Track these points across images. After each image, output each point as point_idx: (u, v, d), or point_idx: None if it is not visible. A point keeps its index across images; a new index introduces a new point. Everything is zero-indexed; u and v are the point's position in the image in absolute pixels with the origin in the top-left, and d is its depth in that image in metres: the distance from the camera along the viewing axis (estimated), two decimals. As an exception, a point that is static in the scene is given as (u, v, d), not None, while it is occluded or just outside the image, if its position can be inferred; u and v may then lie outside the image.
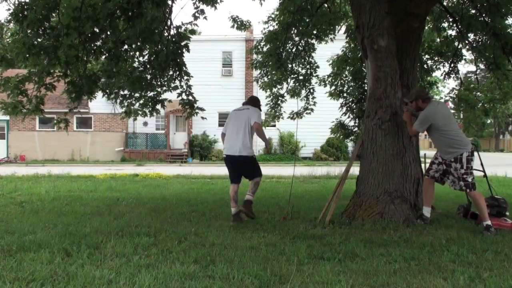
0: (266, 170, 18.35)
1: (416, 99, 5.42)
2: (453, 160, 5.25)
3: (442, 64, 9.85)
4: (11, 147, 26.03)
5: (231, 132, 5.94)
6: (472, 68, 14.75)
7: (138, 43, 6.50)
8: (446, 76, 9.62)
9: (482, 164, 6.24)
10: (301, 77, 10.27)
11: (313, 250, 4.26)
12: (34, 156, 25.79)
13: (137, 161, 24.90)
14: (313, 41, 9.91)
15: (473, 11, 8.30)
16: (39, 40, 6.13)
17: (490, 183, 6.30)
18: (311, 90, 10.40)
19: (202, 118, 8.01)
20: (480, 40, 8.86)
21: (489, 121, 43.54)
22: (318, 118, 13.48)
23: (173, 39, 6.72)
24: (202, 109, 7.46)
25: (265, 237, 4.79)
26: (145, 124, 25.77)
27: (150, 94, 7.51)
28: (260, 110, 6.16)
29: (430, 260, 3.95)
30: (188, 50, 6.78)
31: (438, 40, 9.67)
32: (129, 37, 6.27)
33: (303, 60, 10.19)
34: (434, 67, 9.91)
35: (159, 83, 7.27)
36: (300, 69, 10.33)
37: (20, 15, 5.89)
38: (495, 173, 13.52)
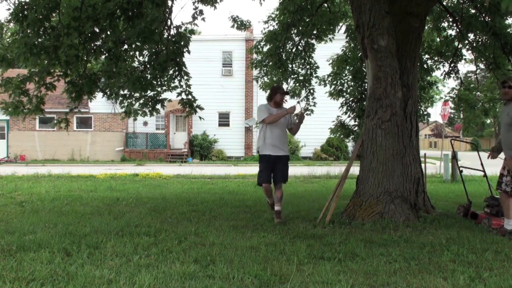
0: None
1: None
2: None
3: (442, 64, 9.85)
4: (11, 146, 26.04)
5: None
6: (472, 68, 14.78)
7: (138, 43, 6.50)
8: (446, 76, 9.61)
9: (482, 164, 6.25)
10: (301, 78, 10.27)
11: (313, 250, 4.26)
12: (34, 156, 25.79)
13: (137, 160, 24.91)
14: (313, 41, 9.91)
15: (473, 11, 8.29)
16: (39, 40, 6.13)
17: (490, 183, 6.31)
18: (311, 91, 10.40)
19: (200, 118, 7.99)
20: (480, 40, 8.86)
21: (489, 121, 43.57)
22: (318, 118, 13.44)
23: (173, 39, 6.72)
24: (201, 108, 7.47)
25: (265, 237, 4.79)
26: (145, 124, 25.76)
27: (150, 94, 7.51)
28: (272, 98, 6.00)
29: (430, 260, 3.95)
30: (189, 52, 6.79)
31: (438, 40, 9.67)
32: (129, 37, 6.27)
33: (303, 61, 10.19)
34: (434, 67, 9.90)
35: (159, 83, 7.28)
36: (300, 69, 10.33)
37: (20, 15, 5.89)
38: (495, 173, 13.49)
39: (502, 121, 5.27)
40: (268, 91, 6.10)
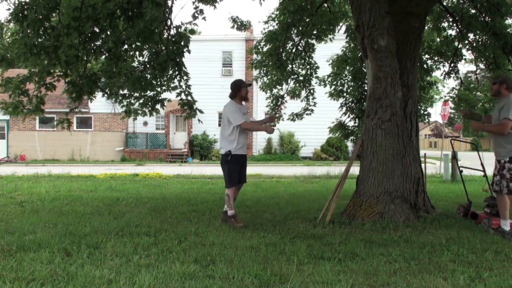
0: (266, 170, 18.44)
1: (501, 83, 5.15)
2: (508, 160, 5.03)
3: (442, 64, 9.86)
4: (11, 147, 26.04)
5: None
6: (472, 68, 14.78)
7: (138, 43, 6.51)
8: (446, 76, 9.61)
9: (482, 164, 6.25)
10: (301, 78, 10.28)
11: (313, 250, 4.26)
12: (34, 156, 25.80)
13: (137, 160, 24.91)
14: (313, 41, 9.91)
15: (473, 11, 8.29)
16: (39, 40, 6.14)
17: (490, 183, 6.31)
18: (311, 91, 10.41)
19: (199, 121, 7.97)
20: (480, 40, 8.86)
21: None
22: (318, 118, 13.50)
23: (173, 39, 6.73)
24: (201, 111, 7.47)
25: (265, 237, 4.79)
26: (145, 123, 25.77)
27: (150, 94, 7.52)
28: (237, 95, 5.70)
29: (430, 260, 3.95)
30: (189, 51, 6.79)
31: (438, 40, 9.67)
32: (129, 37, 6.27)
33: (303, 61, 10.19)
34: (434, 67, 9.91)
35: (158, 83, 7.28)
36: (300, 69, 10.33)
37: (20, 15, 5.89)
38: (495, 173, 13.50)
39: (494, 117, 5.33)
40: (232, 87, 5.75)
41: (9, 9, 5.98)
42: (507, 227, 5.02)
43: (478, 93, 10.61)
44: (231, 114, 5.59)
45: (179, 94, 7.30)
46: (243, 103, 5.93)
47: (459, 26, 8.47)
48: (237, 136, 5.59)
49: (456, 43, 9.32)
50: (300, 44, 9.92)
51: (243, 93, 5.74)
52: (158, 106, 7.68)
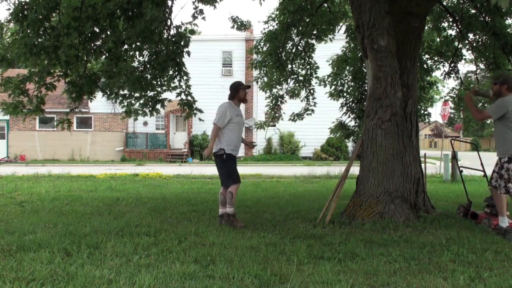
0: (266, 170, 18.45)
1: (502, 83, 5.16)
2: (506, 160, 5.03)
3: (442, 64, 9.86)
4: (11, 146, 26.04)
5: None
6: (472, 68, 14.78)
7: (138, 43, 6.51)
8: (446, 76, 9.62)
9: (482, 164, 6.25)
10: (301, 78, 10.28)
11: (313, 250, 4.26)
12: (34, 156, 25.80)
13: (137, 160, 24.91)
14: (313, 41, 9.92)
15: (473, 11, 8.30)
16: (39, 40, 6.14)
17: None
18: (311, 91, 10.41)
19: (200, 120, 8.00)
20: (480, 40, 8.87)
21: (489, 121, 43.41)
22: (318, 118, 13.49)
23: (173, 39, 6.73)
24: (200, 111, 7.48)
25: (265, 237, 4.79)
26: (145, 123, 25.77)
27: (150, 94, 7.52)
28: (235, 96, 5.76)
29: (430, 260, 3.95)
30: (189, 54, 6.80)
31: (438, 40, 9.67)
32: (129, 37, 6.28)
33: (303, 61, 10.20)
34: (434, 67, 9.92)
35: (159, 83, 7.29)
36: (300, 69, 10.33)
37: (20, 15, 5.90)
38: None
39: None
40: (230, 89, 5.81)
41: (9, 9, 5.98)
42: (505, 224, 5.02)
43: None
44: (217, 113, 5.68)
45: (179, 94, 7.31)
46: (242, 105, 5.96)
47: (459, 26, 8.47)
48: (229, 136, 5.61)
49: (456, 43, 9.32)
50: (300, 44, 9.92)
51: (241, 94, 5.77)
52: (158, 106, 7.70)
